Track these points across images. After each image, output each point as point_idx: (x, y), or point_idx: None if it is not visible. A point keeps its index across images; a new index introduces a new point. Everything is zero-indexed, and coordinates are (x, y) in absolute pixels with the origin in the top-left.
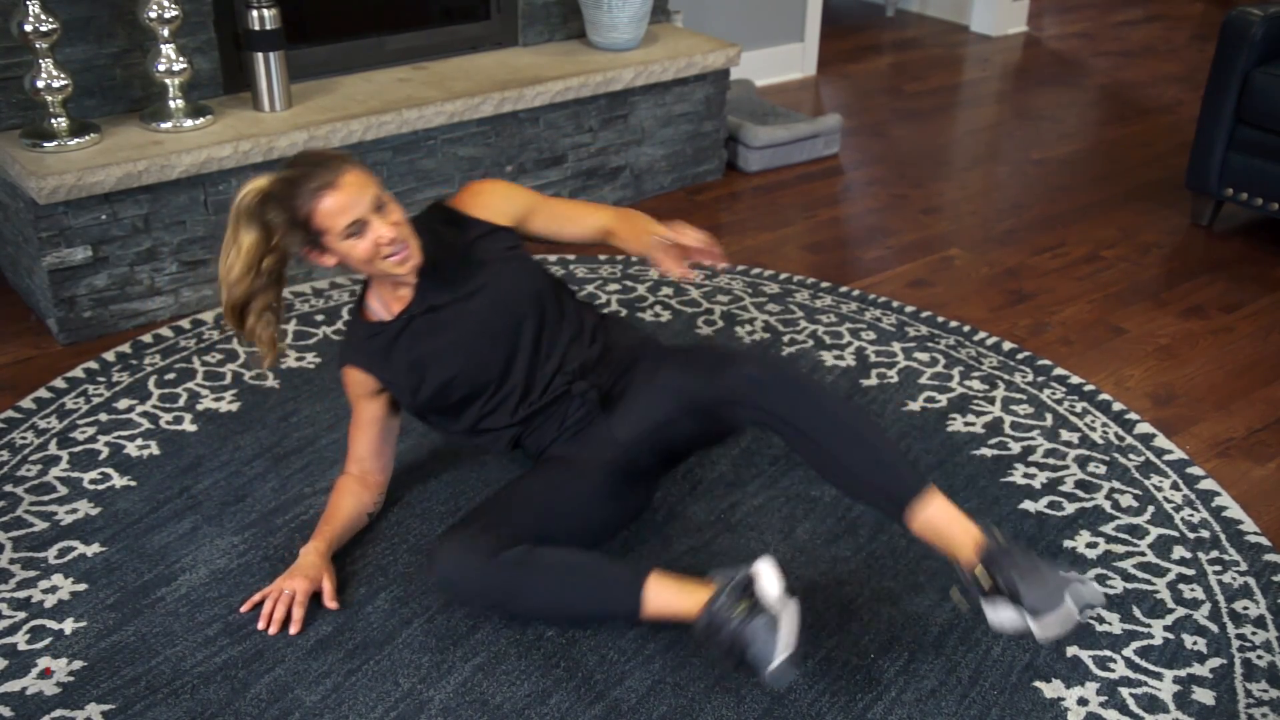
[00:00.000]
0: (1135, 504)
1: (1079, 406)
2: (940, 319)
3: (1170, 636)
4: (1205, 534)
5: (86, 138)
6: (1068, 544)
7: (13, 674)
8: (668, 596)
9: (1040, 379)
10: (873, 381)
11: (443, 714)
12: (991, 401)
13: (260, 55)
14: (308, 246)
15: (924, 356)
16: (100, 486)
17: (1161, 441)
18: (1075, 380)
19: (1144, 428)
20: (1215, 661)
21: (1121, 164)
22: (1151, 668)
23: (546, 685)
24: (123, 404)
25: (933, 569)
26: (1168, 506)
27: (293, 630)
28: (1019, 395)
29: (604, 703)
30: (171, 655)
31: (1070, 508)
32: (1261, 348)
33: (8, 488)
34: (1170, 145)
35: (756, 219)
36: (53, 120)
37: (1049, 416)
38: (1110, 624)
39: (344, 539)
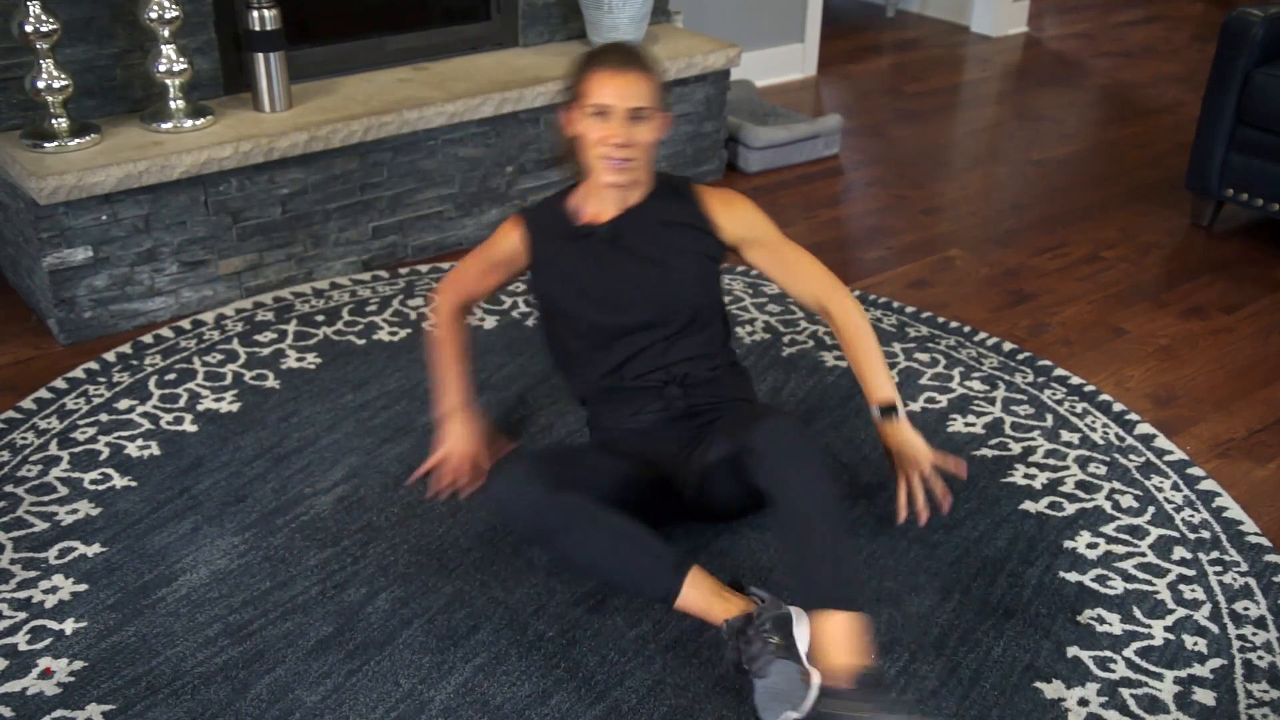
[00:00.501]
0: (1136, 504)
1: (1079, 407)
2: (940, 319)
3: (1171, 637)
4: (1206, 534)
5: (87, 138)
6: (1068, 544)
7: (13, 674)
8: (706, 593)
9: (1040, 379)
10: None
11: (443, 714)
12: (992, 402)
13: (261, 56)
14: (569, 101)
15: (924, 357)
16: (101, 487)
17: (1162, 442)
18: (1076, 381)
19: (1144, 428)
20: (1216, 662)
21: (1122, 164)
22: (1152, 668)
23: (547, 685)
24: (123, 404)
25: (934, 570)
26: (1168, 507)
27: (463, 495)
28: (1019, 396)
29: (605, 703)
30: (172, 656)
31: (1071, 508)
32: (1262, 348)
33: (8, 488)
34: (1170, 146)
35: None
36: (53, 121)
37: (1049, 417)
38: (1111, 624)
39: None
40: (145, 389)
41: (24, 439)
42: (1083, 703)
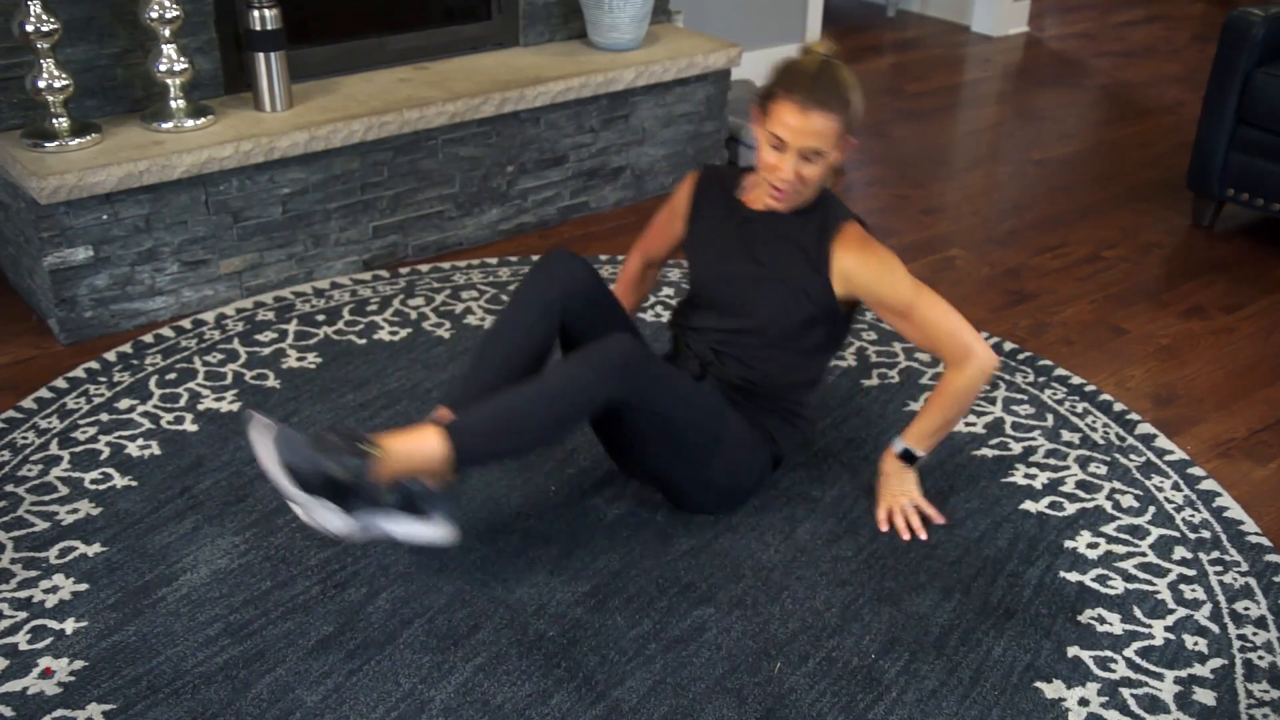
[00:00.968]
0: (1136, 504)
1: (1080, 407)
2: None
3: (1171, 637)
4: (1206, 534)
5: (87, 138)
6: (1068, 544)
7: (14, 674)
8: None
9: (1041, 379)
10: (874, 382)
11: (444, 714)
12: (992, 402)
13: (261, 55)
14: (760, 108)
15: (925, 357)
16: (101, 486)
17: (1162, 442)
18: (1076, 380)
19: (1145, 428)
20: (1216, 662)
21: (1122, 164)
22: (1152, 668)
23: (547, 685)
24: (124, 404)
25: (934, 570)
26: (1169, 507)
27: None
28: (1020, 395)
29: (605, 703)
30: (172, 655)
31: (1071, 508)
32: (1262, 348)
33: (9, 488)
34: (1171, 146)
35: None
36: (54, 120)
37: (1050, 417)
38: (1111, 624)
39: None
40: (146, 388)
41: (24, 438)
42: (1083, 703)
